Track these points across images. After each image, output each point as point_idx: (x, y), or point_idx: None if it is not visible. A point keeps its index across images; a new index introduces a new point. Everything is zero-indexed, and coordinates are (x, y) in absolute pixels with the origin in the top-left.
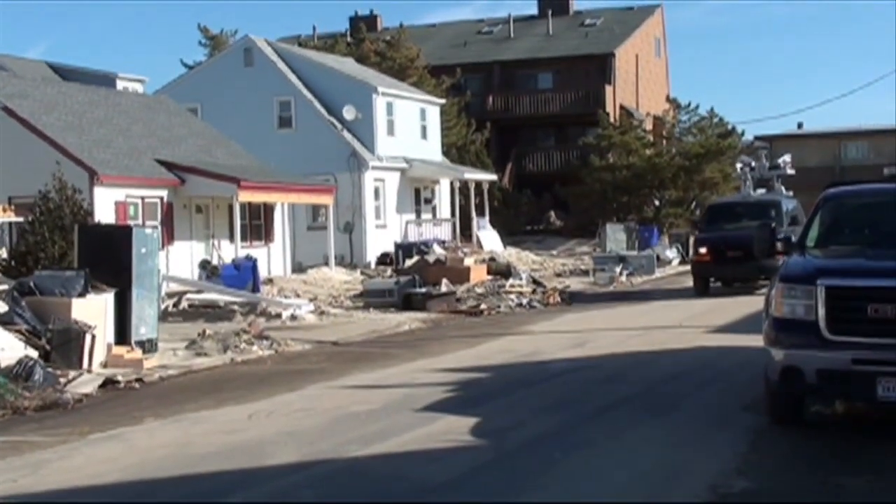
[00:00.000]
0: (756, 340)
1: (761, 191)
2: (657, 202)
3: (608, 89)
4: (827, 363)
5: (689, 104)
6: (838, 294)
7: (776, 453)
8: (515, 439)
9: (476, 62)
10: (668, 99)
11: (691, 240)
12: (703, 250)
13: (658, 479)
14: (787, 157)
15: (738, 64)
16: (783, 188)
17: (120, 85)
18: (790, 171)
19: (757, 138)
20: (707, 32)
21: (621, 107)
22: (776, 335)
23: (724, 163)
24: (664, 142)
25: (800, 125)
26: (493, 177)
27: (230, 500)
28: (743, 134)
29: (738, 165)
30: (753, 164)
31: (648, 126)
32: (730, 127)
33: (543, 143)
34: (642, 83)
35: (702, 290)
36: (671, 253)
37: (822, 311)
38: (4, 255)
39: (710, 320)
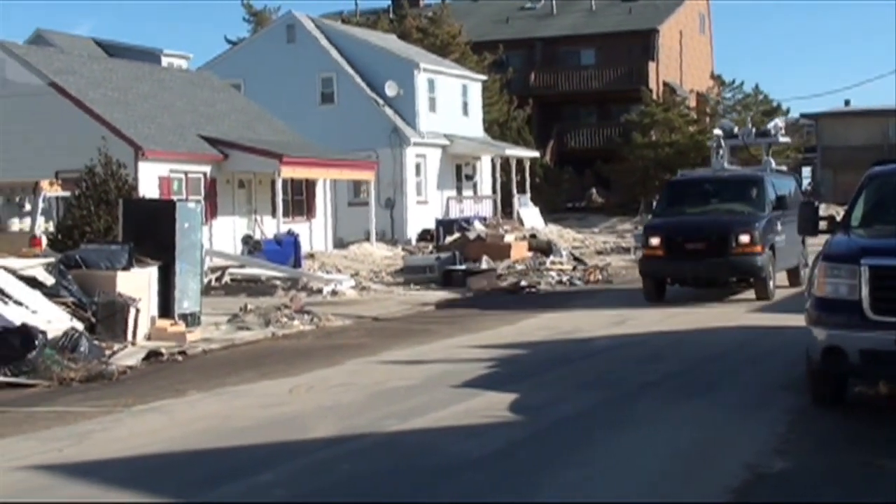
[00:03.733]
0: (799, 320)
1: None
2: None
3: (651, 66)
4: (870, 343)
5: (733, 81)
6: (882, 274)
7: (816, 434)
8: (553, 416)
9: (518, 38)
10: (712, 75)
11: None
12: (654, 241)
13: (696, 458)
14: (778, 122)
15: (784, 40)
16: (772, 161)
17: (165, 61)
18: (782, 139)
19: (803, 116)
20: (753, 8)
21: (664, 83)
22: (818, 315)
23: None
24: (708, 119)
25: (847, 102)
26: (535, 153)
27: (268, 473)
28: (788, 111)
29: (716, 131)
30: (736, 129)
31: (692, 103)
32: (774, 104)
33: (586, 119)
34: (686, 59)
35: (653, 294)
36: None
37: (865, 291)
38: (52, 228)
39: (753, 299)
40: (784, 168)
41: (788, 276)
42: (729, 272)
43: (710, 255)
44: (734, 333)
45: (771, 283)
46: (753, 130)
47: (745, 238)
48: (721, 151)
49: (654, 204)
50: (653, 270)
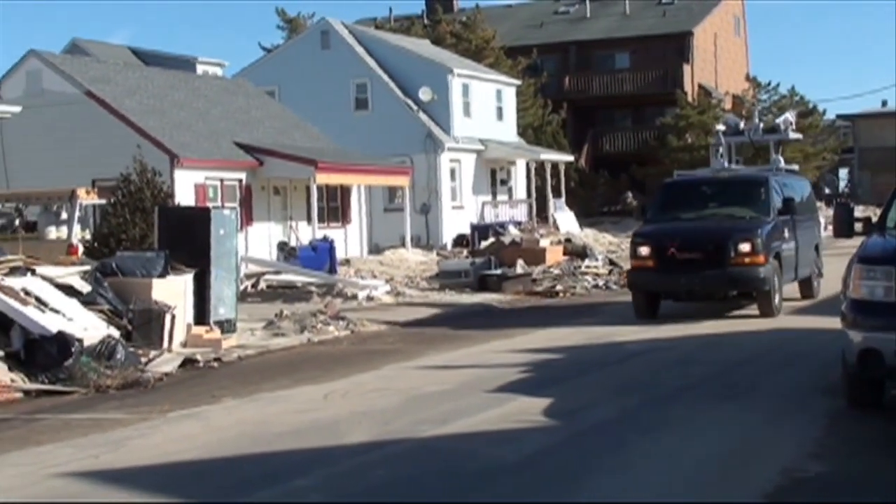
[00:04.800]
0: (834, 322)
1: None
2: None
3: (686, 68)
4: None
5: (769, 83)
6: None
7: (853, 438)
8: (588, 420)
9: (552, 42)
10: (747, 77)
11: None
12: (643, 251)
13: (730, 461)
14: (789, 116)
15: (820, 42)
16: (781, 159)
17: (200, 69)
18: (793, 135)
19: (839, 117)
20: (788, 9)
21: (699, 86)
22: (854, 317)
23: (804, 142)
24: (743, 121)
25: (884, 103)
26: (570, 157)
27: (303, 479)
28: (825, 113)
29: (719, 128)
30: (742, 125)
31: (727, 105)
32: (811, 105)
33: (620, 123)
34: (721, 62)
35: (644, 310)
36: None
37: None
38: (88, 236)
39: (791, 301)
40: (795, 167)
41: (800, 288)
42: (727, 285)
43: (706, 266)
44: (770, 335)
45: (776, 298)
46: (761, 126)
47: (745, 247)
48: (721, 150)
49: (644, 207)
50: (642, 283)
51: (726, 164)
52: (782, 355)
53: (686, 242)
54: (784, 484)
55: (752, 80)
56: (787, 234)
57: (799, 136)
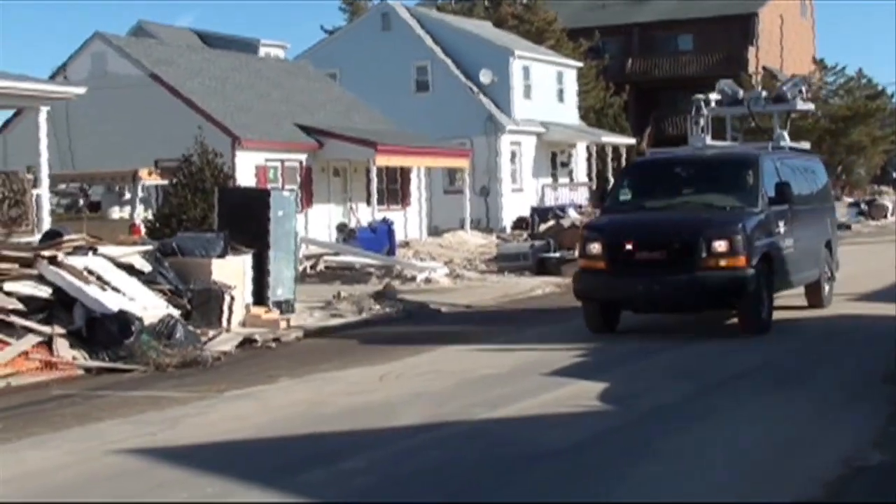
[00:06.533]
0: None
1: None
2: None
3: (751, 51)
4: None
5: (835, 65)
6: None
7: None
8: (642, 406)
9: (615, 24)
10: (814, 60)
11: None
12: (593, 248)
13: (789, 450)
14: (799, 82)
15: (890, 22)
16: (786, 135)
17: (262, 51)
18: (802, 106)
19: None
20: None
21: (764, 68)
22: None
23: (872, 126)
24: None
25: None
26: (632, 140)
27: (354, 460)
28: (893, 95)
29: (698, 96)
30: (741, 94)
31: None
32: (879, 88)
33: (683, 106)
34: (787, 44)
35: (598, 322)
36: None
37: None
38: (150, 216)
39: (856, 287)
40: (806, 145)
41: (806, 295)
42: (696, 294)
43: (670, 269)
44: (832, 322)
45: (763, 310)
46: (763, 94)
47: (720, 245)
48: (701, 122)
49: (603, 193)
50: (590, 290)
51: (708, 141)
52: (841, 342)
53: (646, 238)
54: (845, 473)
55: (819, 63)
56: (781, 228)
57: (810, 106)
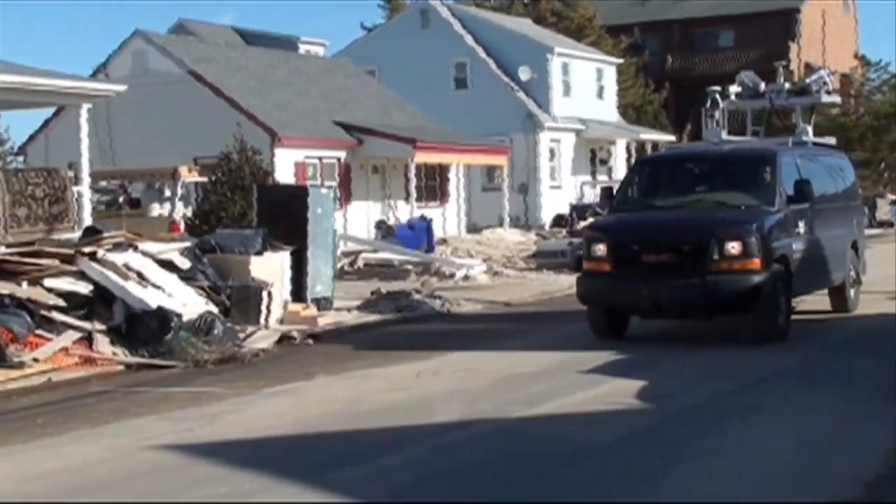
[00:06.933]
0: None
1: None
2: None
3: (792, 47)
4: None
5: (879, 61)
6: None
7: None
8: (679, 404)
9: (655, 21)
10: (856, 56)
11: (879, 203)
12: (598, 250)
13: (827, 448)
14: (824, 73)
15: None
16: (809, 129)
17: (302, 49)
18: (828, 98)
19: None
20: None
21: (806, 65)
22: None
23: None
24: (852, 101)
25: None
26: (672, 137)
27: (391, 456)
28: None
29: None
30: (762, 86)
31: (836, 85)
32: None
33: None
34: (829, 40)
35: (605, 327)
36: None
37: None
38: (190, 213)
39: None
40: (832, 141)
41: (831, 298)
42: (707, 299)
43: (678, 272)
44: (872, 321)
45: (780, 316)
46: (787, 86)
47: (733, 246)
48: (716, 115)
49: (611, 191)
50: (594, 294)
51: (724, 135)
52: (885, 341)
53: (653, 239)
54: (884, 473)
55: (861, 59)
56: (800, 229)
57: (836, 98)
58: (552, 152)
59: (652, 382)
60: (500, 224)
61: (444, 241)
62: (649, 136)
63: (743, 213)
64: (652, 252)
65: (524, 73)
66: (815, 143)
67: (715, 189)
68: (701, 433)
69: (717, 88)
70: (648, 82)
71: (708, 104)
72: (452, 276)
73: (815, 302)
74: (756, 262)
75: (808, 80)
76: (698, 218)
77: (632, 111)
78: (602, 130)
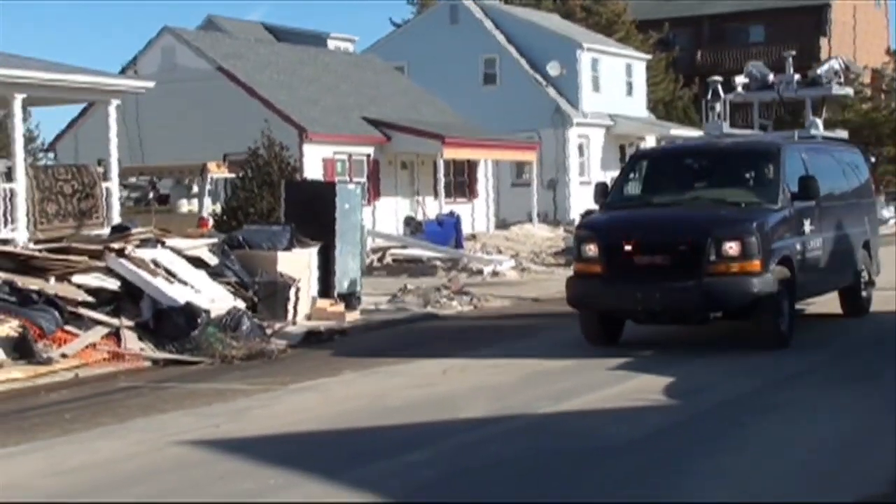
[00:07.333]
0: None
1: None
2: (873, 159)
3: (823, 42)
4: None
5: None
6: None
7: None
8: (706, 401)
9: (684, 16)
10: (888, 51)
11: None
12: (588, 250)
13: (853, 446)
14: (834, 63)
15: None
16: (819, 122)
17: (331, 45)
18: (839, 90)
19: None
20: None
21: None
22: None
23: None
24: (882, 96)
25: None
26: (701, 133)
27: (416, 453)
28: None
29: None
30: (771, 77)
31: (866, 80)
32: None
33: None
34: (860, 35)
35: (597, 333)
36: (888, 212)
37: None
38: (218, 209)
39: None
40: (843, 134)
41: (841, 301)
42: (703, 303)
43: (673, 274)
44: (888, 321)
45: (781, 322)
46: (796, 78)
47: (732, 246)
48: (717, 107)
49: (605, 188)
50: (584, 298)
51: (725, 129)
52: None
53: (647, 239)
54: None
55: (893, 54)
56: (805, 227)
57: (848, 90)
58: (581, 148)
59: (679, 379)
60: (529, 220)
61: (472, 237)
62: (679, 131)
63: (743, 211)
64: (645, 253)
65: (553, 69)
66: (825, 137)
67: (714, 185)
68: (728, 430)
69: (719, 79)
70: (678, 78)
71: (709, 95)
72: (481, 272)
73: (826, 303)
74: (756, 264)
75: (818, 71)
76: (695, 216)
77: (661, 107)
78: (631, 126)
